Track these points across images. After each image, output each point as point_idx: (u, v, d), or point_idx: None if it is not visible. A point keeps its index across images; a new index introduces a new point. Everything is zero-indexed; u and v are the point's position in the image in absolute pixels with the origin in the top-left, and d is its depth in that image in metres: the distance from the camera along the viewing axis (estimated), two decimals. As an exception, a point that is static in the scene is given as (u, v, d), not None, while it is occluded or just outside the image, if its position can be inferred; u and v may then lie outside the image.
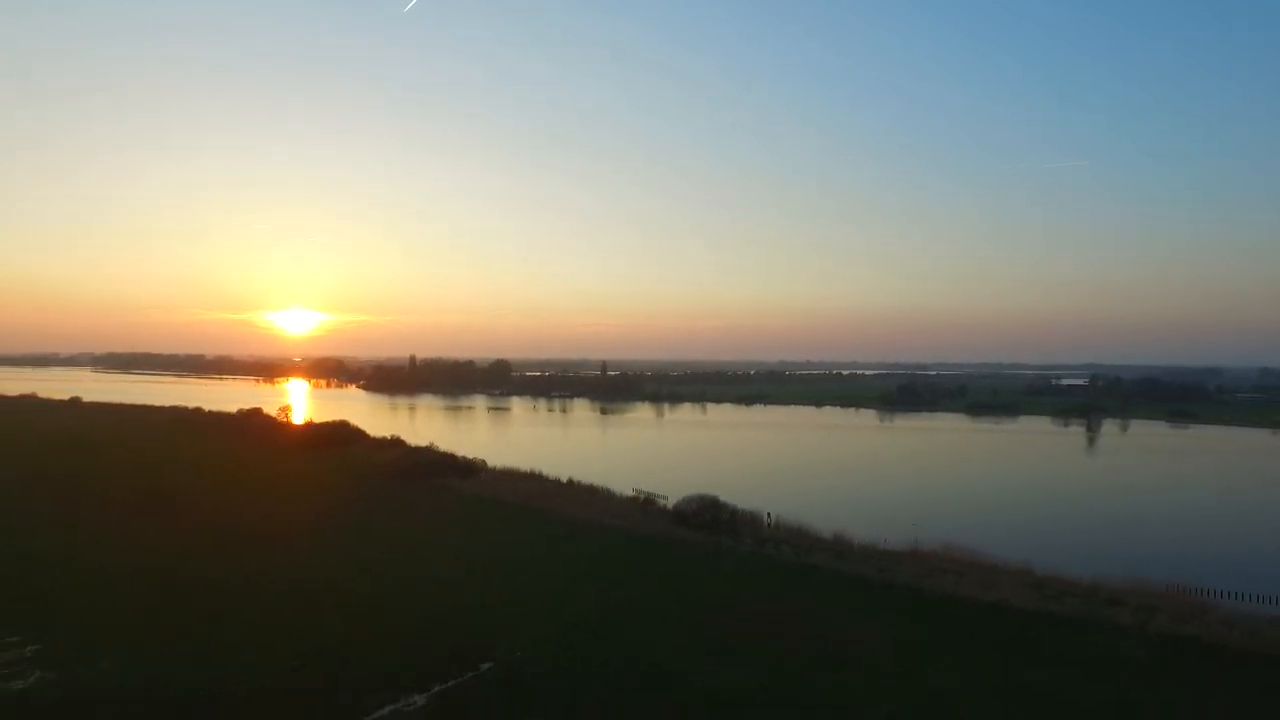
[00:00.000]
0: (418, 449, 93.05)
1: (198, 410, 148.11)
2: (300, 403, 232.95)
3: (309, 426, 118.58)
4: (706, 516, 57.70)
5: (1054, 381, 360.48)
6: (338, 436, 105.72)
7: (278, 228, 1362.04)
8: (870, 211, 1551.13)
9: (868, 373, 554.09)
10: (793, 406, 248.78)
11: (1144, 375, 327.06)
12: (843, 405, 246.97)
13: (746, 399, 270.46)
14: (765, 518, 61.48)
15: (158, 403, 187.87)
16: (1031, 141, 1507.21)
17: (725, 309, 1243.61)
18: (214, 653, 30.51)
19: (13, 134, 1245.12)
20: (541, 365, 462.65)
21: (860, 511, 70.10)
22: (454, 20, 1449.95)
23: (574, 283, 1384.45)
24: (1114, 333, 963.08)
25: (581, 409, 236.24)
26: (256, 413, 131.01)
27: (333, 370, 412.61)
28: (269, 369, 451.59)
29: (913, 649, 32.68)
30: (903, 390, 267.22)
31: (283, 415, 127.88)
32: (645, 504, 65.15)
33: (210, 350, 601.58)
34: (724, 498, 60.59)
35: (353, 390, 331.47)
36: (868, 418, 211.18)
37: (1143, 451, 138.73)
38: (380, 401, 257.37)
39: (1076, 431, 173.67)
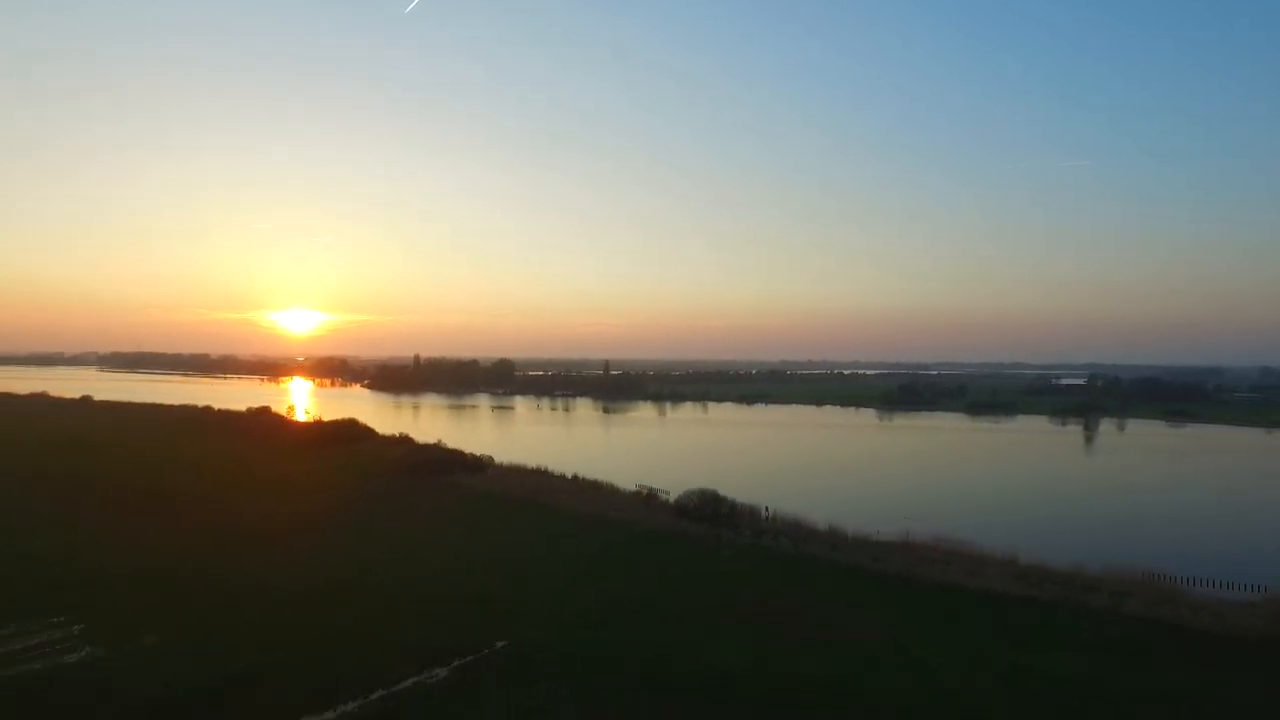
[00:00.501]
0: (425, 446, 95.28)
1: (208, 409, 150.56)
2: (307, 402, 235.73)
3: (319, 424, 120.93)
4: (707, 510, 60.03)
5: (1054, 381, 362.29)
6: (347, 434, 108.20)
7: (279, 227, 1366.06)
8: (872, 211, 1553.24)
9: (869, 372, 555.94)
10: (793, 405, 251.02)
11: (1145, 375, 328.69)
12: (842, 404, 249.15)
13: (747, 398, 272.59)
14: (763, 511, 63.71)
15: (167, 401, 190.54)
16: (1033, 141, 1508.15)
17: (727, 309, 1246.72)
18: (246, 632, 32.99)
19: (13, 134, 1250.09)
20: (544, 365, 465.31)
21: (855, 506, 72.30)
22: (455, 20, 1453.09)
23: (576, 282, 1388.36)
24: (1115, 333, 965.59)
25: (584, 408, 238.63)
26: (266, 411, 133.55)
27: (337, 369, 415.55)
28: (273, 368, 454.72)
29: (900, 630, 34.97)
30: (902, 390, 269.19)
31: (292, 414, 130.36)
32: (648, 499, 67.46)
33: (213, 350, 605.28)
34: (724, 492, 62.90)
35: (357, 389, 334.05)
36: (866, 417, 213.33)
37: (1135, 450, 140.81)
38: (385, 400, 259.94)
39: (1073, 431, 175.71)
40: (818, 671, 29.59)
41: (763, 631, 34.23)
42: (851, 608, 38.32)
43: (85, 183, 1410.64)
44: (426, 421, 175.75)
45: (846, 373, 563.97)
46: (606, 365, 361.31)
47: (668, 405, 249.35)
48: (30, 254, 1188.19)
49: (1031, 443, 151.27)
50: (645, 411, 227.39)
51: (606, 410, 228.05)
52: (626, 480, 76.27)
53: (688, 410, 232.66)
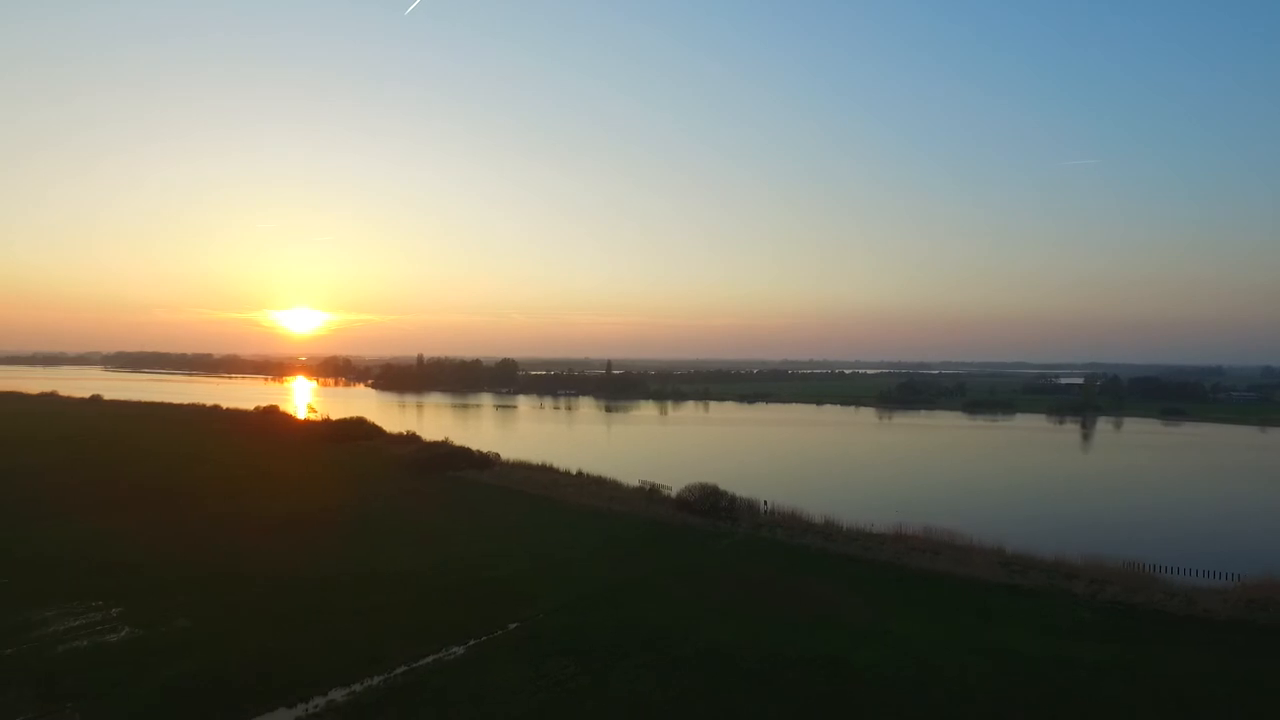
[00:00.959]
0: (433, 443, 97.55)
1: (217, 408, 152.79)
2: (313, 401, 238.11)
3: (328, 422, 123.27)
4: (707, 503, 62.22)
5: (1054, 380, 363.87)
6: (356, 432, 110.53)
7: (282, 227, 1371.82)
8: (874, 211, 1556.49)
9: (871, 372, 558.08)
10: (793, 404, 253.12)
11: (1146, 375, 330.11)
12: (842, 403, 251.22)
13: (749, 397, 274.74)
14: (762, 505, 65.85)
15: (175, 400, 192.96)
16: (1036, 141, 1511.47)
17: (729, 308, 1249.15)
18: (270, 617, 35.27)
19: (18, 135, 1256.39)
20: (547, 364, 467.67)
21: (851, 501, 74.36)
22: (456, 21, 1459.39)
23: (578, 282, 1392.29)
24: (1118, 332, 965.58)
25: (587, 406, 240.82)
26: (275, 409, 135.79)
27: (341, 369, 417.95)
28: (277, 368, 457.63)
29: (888, 614, 37.17)
30: (901, 388, 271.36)
31: (302, 412, 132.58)
32: (651, 493, 69.70)
33: (216, 349, 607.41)
34: (724, 487, 65.06)
35: (361, 388, 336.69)
36: (866, 415, 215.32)
37: (1126, 447, 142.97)
38: (390, 399, 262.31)
39: (1069, 428, 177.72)
40: (808, 649, 31.75)
41: (758, 614, 36.42)
42: (842, 594, 40.50)
43: (89, 183, 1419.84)
44: (432, 420, 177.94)
45: (848, 372, 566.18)
46: (609, 364, 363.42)
47: (669, 404, 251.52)
48: (34, 254, 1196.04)
49: (1025, 439, 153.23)
50: (647, 410, 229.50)
51: (609, 409, 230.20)
52: (629, 476, 78.43)
53: (689, 409, 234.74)
